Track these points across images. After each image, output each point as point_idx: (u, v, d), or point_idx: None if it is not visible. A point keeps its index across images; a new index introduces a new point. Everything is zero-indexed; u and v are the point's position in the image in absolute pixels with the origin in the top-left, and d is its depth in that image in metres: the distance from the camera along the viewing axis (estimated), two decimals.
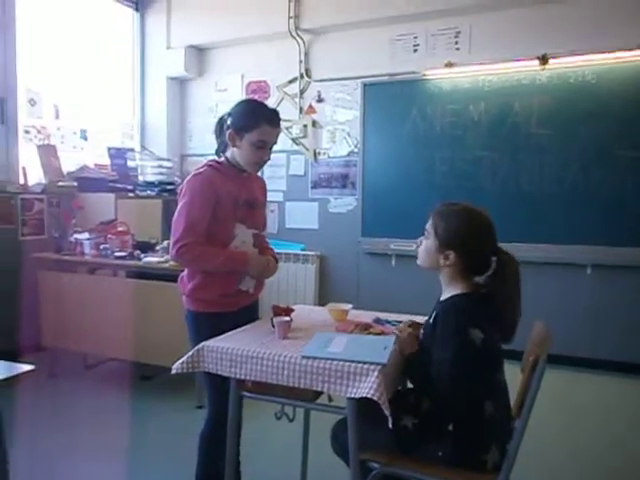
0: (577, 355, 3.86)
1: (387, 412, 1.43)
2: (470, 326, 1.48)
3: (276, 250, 5.16)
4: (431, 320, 1.60)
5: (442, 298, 1.64)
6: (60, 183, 4.24)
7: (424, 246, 1.66)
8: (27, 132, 4.29)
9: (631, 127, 3.70)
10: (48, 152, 4.31)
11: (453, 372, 1.45)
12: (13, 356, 3.51)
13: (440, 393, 1.48)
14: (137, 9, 5.34)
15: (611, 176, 3.78)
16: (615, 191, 3.77)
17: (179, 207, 1.90)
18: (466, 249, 1.58)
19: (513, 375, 1.66)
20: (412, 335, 1.66)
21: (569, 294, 3.98)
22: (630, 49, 3.64)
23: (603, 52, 3.70)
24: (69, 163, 4.51)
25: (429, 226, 1.65)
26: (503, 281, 1.56)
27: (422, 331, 1.69)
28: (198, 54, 5.34)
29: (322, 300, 4.58)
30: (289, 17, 4.69)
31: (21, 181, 4.07)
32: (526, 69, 3.95)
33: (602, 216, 3.80)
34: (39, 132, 4.39)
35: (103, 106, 5.05)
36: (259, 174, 2.23)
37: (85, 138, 4.80)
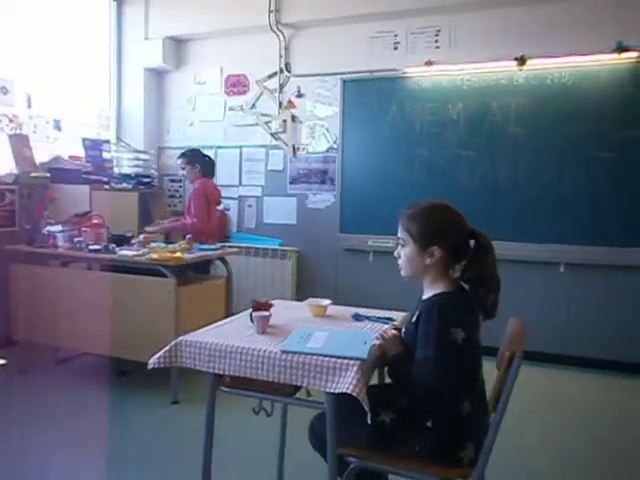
0: (550, 352, 3.94)
1: (367, 408, 1.43)
2: (452, 326, 1.48)
3: (254, 245, 5.16)
4: (414, 319, 1.60)
5: (423, 297, 1.64)
6: (32, 174, 4.13)
7: (404, 256, 1.64)
8: None
9: (605, 128, 3.78)
10: (20, 142, 4.20)
11: (434, 372, 1.45)
12: None
13: (421, 392, 1.48)
14: None
15: (585, 176, 3.86)
16: (589, 191, 3.85)
17: None
18: (449, 238, 1.59)
19: (488, 371, 1.69)
20: (396, 336, 1.66)
21: (543, 292, 4.06)
22: (605, 52, 3.71)
23: (579, 54, 3.77)
24: (42, 154, 4.40)
25: (401, 234, 1.64)
26: (485, 261, 1.57)
27: (404, 329, 1.70)
28: (177, 45, 5.27)
29: (300, 296, 4.57)
30: (269, 11, 4.66)
31: None
32: (504, 69, 4.00)
33: (576, 215, 3.88)
34: (11, 121, 4.27)
35: (78, 96, 4.93)
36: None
37: (59, 128, 4.69)
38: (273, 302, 1.94)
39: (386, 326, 1.75)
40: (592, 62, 3.78)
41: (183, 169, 4.22)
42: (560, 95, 3.88)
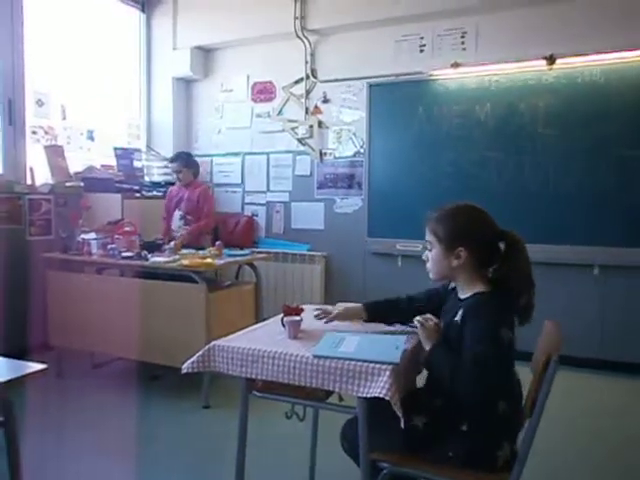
0: (585, 356, 3.85)
1: (399, 412, 1.42)
2: (501, 325, 1.47)
3: (282, 250, 5.23)
4: (457, 318, 1.57)
5: (462, 296, 1.62)
6: (67, 183, 4.26)
7: (431, 258, 1.64)
8: (34, 133, 4.30)
9: (638, 127, 3.69)
10: (55, 152, 4.33)
11: (485, 371, 1.43)
12: (22, 355, 3.51)
13: (461, 388, 1.46)
14: (143, 10, 5.36)
15: (618, 176, 3.77)
16: (622, 191, 3.76)
17: None
18: (475, 239, 1.57)
19: (522, 375, 1.66)
20: (438, 325, 1.64)
21: (576, 295, 3.97)
22: (637, 48, 3.62)
23: (610, 52, 3.69)
24: (76, 163, 4.53)
25: (428, 236, 1.64)
26: (516, 259, 1.55)
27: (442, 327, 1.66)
28: (204, 55, 5.36)
29: (328, 300, 4.57)
30: (295, 18, 4.70)
31: (28, 181, 4.09)
32: (533, 69, 3.94)
33: (609, 216, 3.79)
34: (46, 133, 4.41)
35: (110, 107, 5.06)
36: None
37: (92, 138, 4.82)
38: (303, 307, 1.95)
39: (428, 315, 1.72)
40: (624, 59, 3.69)
41: (179, 172, 4.20)
42: (591, 94, 3.80)
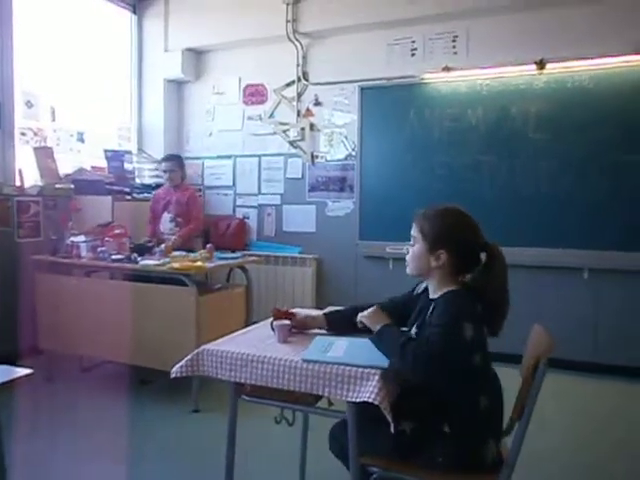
0: (574, 359, 3.86)
1: (389, 417, 1.42)
2: (465, 319, 1.48)
3: (273, 253, 5.22)
4: (428, 316, 1.59)
5: (433, 296, 1.64)
6: (57, 185, 4.22)
7: (412, 253, 1.66)
8: (23, 134, 4.27)
9: (627, 132, 3.72)
10: (44, 154, 4.29)
11: (429, 348, 1.45)
12: (11, 359, 3.46)
13: (407, 364, 1.48)
14: (135, 12, 5.34)
15: (608, 180, 3.80)
16: (612, 195, 3.79)
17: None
18: (457, 244, 1.59)
19: (511, 378, 1.67)
20: (376, 310, 1.71)
21: (566, 298, 3.99)
22: (627, 53, 3.66)
23: (600, 57, 3.73)
24: (66, 165, 4.49)
25: (414, 231, 1.66)
26: (494, 274, 1.56)
27: (415, 329, 1.67)
28: (195, 57, 5.35)
29: (320, 303, 4.57)
30: (287, 21, 4.70)
31: (17, 183, 4.05)
32: (524, 74, 3.97)
33: (599, 220, 3.82)
34: (35, 134, 4.38)
35: (100, 108, 5.03)
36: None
37: (82, 140, 4.79)
38: (294, 310, 1.94)
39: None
40: (613, 65, 3.72)
41: (172, 171, 4.18)
42: (581, 99, 3.83)
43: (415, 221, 1.66)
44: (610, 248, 3.78)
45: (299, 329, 1.87)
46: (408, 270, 1.69)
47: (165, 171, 4.24)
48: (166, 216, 4.20)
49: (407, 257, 1.68)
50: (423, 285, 1.74)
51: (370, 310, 1.73)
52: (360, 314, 1.75)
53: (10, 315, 3.72)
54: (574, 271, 3.93)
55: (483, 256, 1.59)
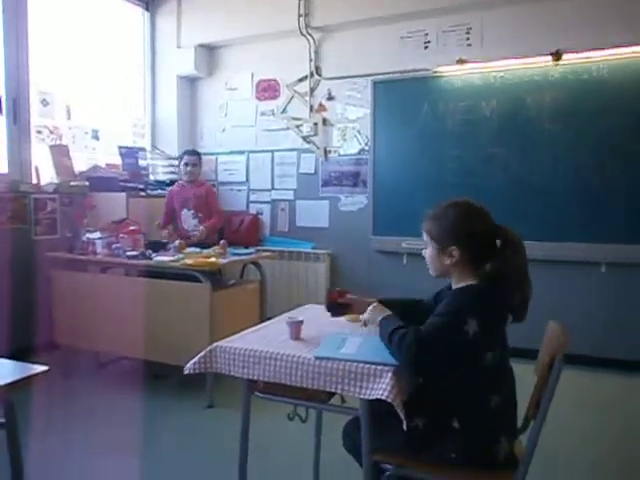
0: (591, 354, 3.82)
1: (402, 414, 1.41)
2: (470, 315, 1.45)
3: (287, 248, 5.22)
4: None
5: (453, 287, 1.63)
6: (72, 183, 4.27)
7: (427, 256, 1.66)
8: (39, 132, 4.32)
9: None
10: (60, 152, 4.34)
11: (425, 336, 1.45)
12: (27, 354, 3.54)
13: (401, 347, 1.46)
14: (147, 9, 5.36)
15: (625, 172, 3.73)
16: (629, 187, 3.72)
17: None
18: (466, 237, 1.56)
19: (525, 373, 1.65)
20: (375, 306, 1.71)
21: (583, 292, 3.93)
22: None
23: (617, 47, 3.65)
24: (81, 163, 4.54)
25: (424, 235, 1.65)
26: (512, 258, 1.53)
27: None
28: (208, 53, 5.35)
29: None
30: (299, 15, 4.68)
31: (34, 181, 4.10)
32: (539, 65, 3.91)
33: (616, 213, 3.75)
34: (51, 132, 4.42)
35: (114, 106, 5.07)
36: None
37: (97, 138, 4.83)
38: (347, 293, 1.93)
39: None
40: (630, 54, 3.64)
41: (195, 165, 4.27)
42: (598, 89, 3.76)
43: (423, 224, 1.66)
44: (628, 241, 3.72)
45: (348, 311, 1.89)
46: (431, 272, 1.68)
47: (187, 164, 4.25)
48: (187, 213, 4.23)
49: (426, 260, 1.68)
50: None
51: (369, 308, 1.72)
52: (361, 316, 1.75)
53: (27, 312, 3.77)
54: (591, 265, 3.87)
55: (498, 242, 1.56)
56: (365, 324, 1.75)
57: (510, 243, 1.54)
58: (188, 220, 4.22)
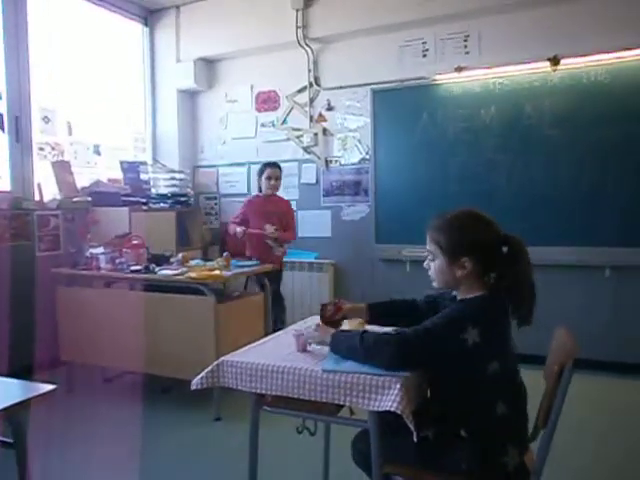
0: (597, 359, 3.80)
1: (411, 425, 1.41)
2: (471, 323, 1.45)
3: (290, 259, 5.17)
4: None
5: (459, 298, 1.62)
6: (75, 198, 4.28)
7: (434, 268, 1.62)
8: (41, 149, 4.33)
9: None
10: (62, 168, 4.35)
11: (411, 334, 1.49)
12: (31, 371, 3.54)
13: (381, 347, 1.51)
14: (146, 24, 5.39)
15: (627, 176, 3.73)
16: (631, 191, 3.72)
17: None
18: (478, 248, 1.55)
19: (534, 380, 1.64)
20: (317, 326, 1.76)
21: (587, 297, 3.92)
22: None
23: (615, 51, 3.67)
24: (83, 178, 4.55)
25: (430, 246, 1.62)
26: (517, 265, 1.53)
27: None
28: (207, 66, 5.38)
29: None
30: (297, 27, 4.71)
31: (37, 198, 4.11)
32: (537, 71, 3.92)
33: (618, 217, 3.75)
34: (53, 149, 4.44)
35: (115, 121, 5.09)
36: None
37: (98, 153, 4.85)
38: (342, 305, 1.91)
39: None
40: (629, 58, 3.66)
41: (278, 179, 4.22)
42: (597, 94, 3.77)
43: (428, 235, 1.62)
44: (631, 245, 3.71)
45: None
46: (435, 284, 1.65)
47: (269, 178, 4.18)
48: (270, 228, 4.13)
49: (430, 272, 1.65)
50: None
51: (311, 329, 1.77)
52: (306, 336, 1.76)
53: (31, 328, 3.77)
54: (595, 269, 3.87)
55: (505, 249, 1.56)
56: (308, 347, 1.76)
57: (517, 250, 1.54)
58: (267, 230, 4.18)
